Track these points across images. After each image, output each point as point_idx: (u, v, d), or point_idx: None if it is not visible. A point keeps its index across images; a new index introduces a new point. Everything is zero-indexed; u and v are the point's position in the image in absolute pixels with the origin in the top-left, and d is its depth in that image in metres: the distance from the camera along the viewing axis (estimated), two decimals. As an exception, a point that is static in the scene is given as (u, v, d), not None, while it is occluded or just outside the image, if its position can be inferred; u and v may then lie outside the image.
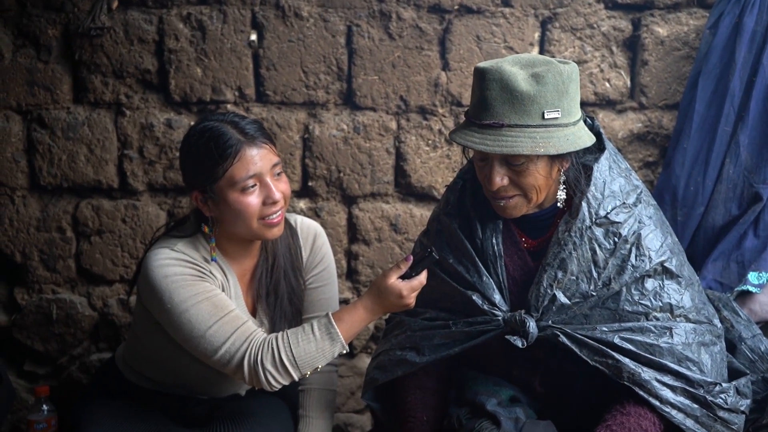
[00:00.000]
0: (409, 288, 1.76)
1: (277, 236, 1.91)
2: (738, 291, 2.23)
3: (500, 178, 1.65)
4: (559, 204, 1.73)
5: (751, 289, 2.23)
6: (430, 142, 2.66)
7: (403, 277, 1.76)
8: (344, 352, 1.82)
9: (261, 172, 1.78)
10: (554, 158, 1.66)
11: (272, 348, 1.77)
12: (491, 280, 1.74)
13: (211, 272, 1.89)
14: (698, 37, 2.54)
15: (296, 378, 1.79)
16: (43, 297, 2.80)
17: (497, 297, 1.74)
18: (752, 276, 2.24)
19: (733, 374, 1.78)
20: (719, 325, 1.78)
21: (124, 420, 2.01)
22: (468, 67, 2.61)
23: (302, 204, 2.70)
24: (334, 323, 1.79)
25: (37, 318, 2.81)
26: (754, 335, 1.96)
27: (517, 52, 2.62)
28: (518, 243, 1.79)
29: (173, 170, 2.70)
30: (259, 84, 2.64)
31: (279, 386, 1.79)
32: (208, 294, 1.83)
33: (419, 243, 1.93)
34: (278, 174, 1.82)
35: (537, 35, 2.60)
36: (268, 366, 1.76)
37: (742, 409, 1.70)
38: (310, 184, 2.69)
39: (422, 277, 1.77)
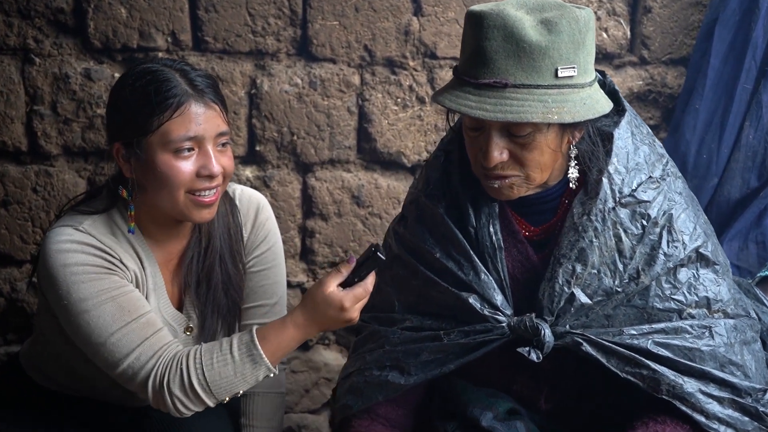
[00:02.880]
0: (352, 298, 1.59)
1: (206, 220, 1.73)
2: (760, 276, 2.08)
3: (499, 152, 1.47)
4: (571, 184, 1.57)
5: None
6: (399, 100, 2.53)
7: (345, 285, 1.60)
8: (271, 375, 1.67)
9: (203, 136, 1.63)
10: (566, 127, 1.49)
11: (181, 369, 1.61)
12: (491, 278, 1.57)
13: (122, 261, 1.71)
14: None
15: (210, 404, 1.65)
16: (-61, 280, 2.68)
17: (499, 298, 1.56)
18: None
19: None
20: (756, 316, 1.66)
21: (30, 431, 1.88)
22: (444, 12, 2.45)
23: (248, 172, 2.58)
24: (257, 343, 1.63)
25: (-69, 304, 2.68)
26: None
27: None
28: (517, 232, 1.62)
29: (94, 130, 2.54)
30: (196, 28, 2.49)
31: (189, 413, 1.65)
32: (114, 292, 1.66)
33: (393, 233, 1.74)
34: (223, 145, 1.69)
35: None
36: (176, 390, 1.61)
37: None
38: (257, 148, 2.56)
39: (368, 284, 1.60)
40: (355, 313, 1.61)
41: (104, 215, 1.72)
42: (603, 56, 2.49)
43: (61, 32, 2.47)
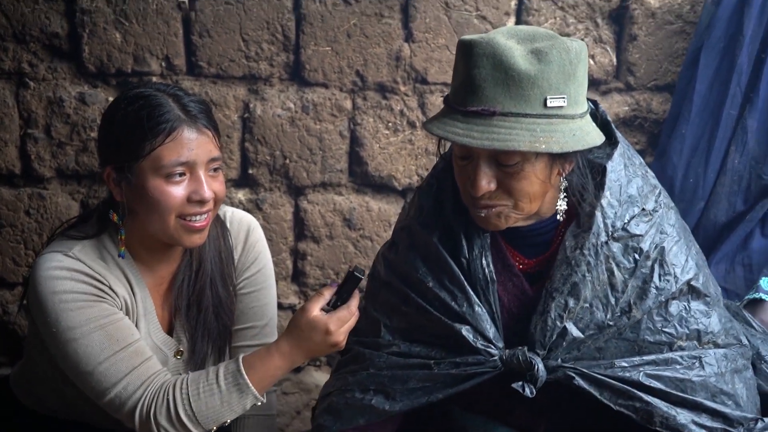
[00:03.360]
0: (337, 320, 1.56)
1: (196, 244, 1.69)
2: (748, 299, 2.04)
3: (487, 182, 1.43)
4: (559, 216, 1.52)
5: (763, 296, 2.02)
6: (390, 124, 2.51)
7: (327, 309, 1.58)
8: (258, 403, 1.64)
9: (195, 161, 1.61)
10: (556, 158, 1.44)
11: (168, 400, 1.58)
12: (484, 310, 1.52)
13: (111, 288, 1.67)
14: (693, 10, 2.41)
15: None
16: (-70, 302, 2.61)
17: (491, 330, 1.52)
18: (764, 282, 2.03)
19: (762, 400, 1.62)
20: (747, 342, 1.63)
21: None
22: (434, 38, 2.44)
23: (241, 195, 2.55)
24: (243, 372, 1.60)
25: None
26: None
27: (491, 23, 2.44)
28: (511, 265, 1.57)
29: (87, 153, 2.51)
30: (190, 53, 2.47)
31: None
32: (103, 321, 1.62)
33: (382, 259, 1.68)
34: (215, 170, 1.66)
35: (513, 4, 2.44)
36: (163, 421, 1.58)
37: None
38: (250, 171, 2.53)
39: (352, 306, 1.57)
40: (341, 336, 1.58)
41: (94, 240, 1.68)
42: (590, 82, 2.37)
43: (56, 56, 2.45)
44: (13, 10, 2.38)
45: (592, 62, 2.45)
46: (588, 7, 2.42)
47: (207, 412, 1.59)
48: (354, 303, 1.57)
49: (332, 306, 1.57)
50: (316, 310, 1.56)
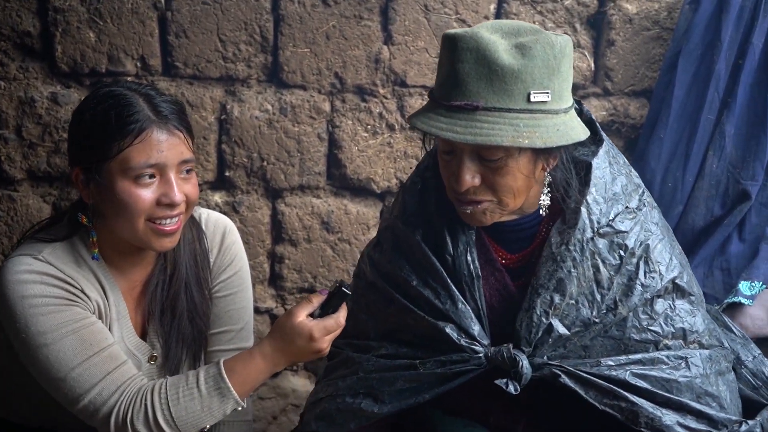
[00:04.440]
0: (323, 329, 1.54)
1: (167, 248, 1.65)
2: (727, 303, 2.08)
3: (471, 177, 1.41)
4: (541, 211, 1.51)
5: (742, 300, 2.07)
6: (368, 127, 2.47)
7: (314, 316, 1.55)
8: (239, 408, 1.61)
9: (165, 164, 1.56)
10: (539, 153, 1.42)
11: (146, 405, 1.54)
12: (468, 307, 1.50)
13: (83, 291, 1.62)
14: (670, 16, 2.39)
15: None
16: None
17: (476, 328, 1.50)
18: (743, 286, 2.08)
19: (743, 404, 1.62)
20: (729, 346, 1.63)
21: None
22: (414, 41, 2.40)
23: (218, 197, 2.51)
24: (225, 376, 1.57)
25: None
26: (754, 357, 1.74)
27: (470, 26, 2.40)
28: (494, 259, 1.55)
29: (60, 155, 2.46)
30: (166, 54, 2.42)
31: None
32: (75, 325, 1.57)
33: (367, 258, 1.67)
34: (187, 172, 1.63)
35: (493, 7, 2.41)
36: (140, 427, 1.54)
37: None
38: (227, 174, 2.49)
39: (340, 317, 1.54)
40: (324, 344, 1.55)
41: (65, 243, 1.64)
42: None
43: (28, 56, 2.40)
44: None
45: None
46: (566, 12, 2.40)
47: (187, 417, 1.55)
48: (342, 315, 1.55)
49: (318, 315, 1.54)
50: (302, 315, 1.54)
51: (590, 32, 2.42)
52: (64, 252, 1.62)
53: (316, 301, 1.56)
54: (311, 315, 1.55)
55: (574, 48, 2.37)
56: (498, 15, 2.41)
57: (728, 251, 2.14)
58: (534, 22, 2.38)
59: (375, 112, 2.45)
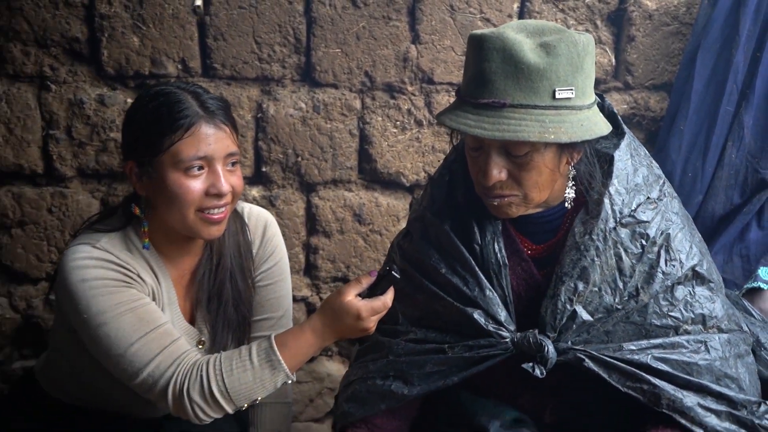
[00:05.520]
0: (370, 309, 1.54)
1: (215, 237, 1.66)
2: (746, 288, 2.02)
3: (498, 171, 1.41)
4: (567, 204, 1.50)
5: (762, 285, 2.00)
6: (398, 123, 2.47)
7: (362, 296, 1.55)
8: (289, 382, 1.60)
9: (213, 156, 1.58)
10: (564, 148, 1.42)
11: (201, 376, 1.55)
12: (495, 294, 1.50)
13: (139, 275, 1.64)
14: (689, 12, 2.37)
15: (230, 411, 1.57)
16: (-43, 297, 2.58)
17: (503, 314, 1.50)
18: (763, 271, 2.03)
19: (762, 385, 1.59)
20: (747, 330, 1.61)
21: None
22: (440, 40, 2.40)
23: (255, 192, 2.51)
24: (276, 349, 1.57)
25: (-50, 321, 2.58)
26: None
27: (495, 25, 2.40)
28: (520, 250, 1.55)
29: (107, 153, 2.47)
30: (205, 56, 2.42)
31: (209, 419, 1.58)
32: (133, 304, 1.59)
33: (397, 248, 1.67)
34: (232, 164, 1.63)
35: (516, 6, 2.40)
36: (196, 397, 1.55)
37: None
38: (263, 169, 2.49)
39: (387, 299, 1.54)
40: (371, 323, 1.55)
41: (120, 233, 1.66)
42: None
43: (76, 60, 2.41)
44: (34, 16, 2.33)
45: None
46: (587, 9, 2.39)
47: (239, 388, 1.55)
48: (389, 297, 1.54)
49: (367, 295, 1.54)
50: (351, 295, 1.54)
51: (611, 28, 2.40)
52: (119, 241, 1.64)
53: (366, 282, 1.55)
54: (360, 295, 1.55)
55: (596, 44, 2.36)
56: (521, 13, 2.39)
57: (747, 238, 2.13)
58: (556, 20, 2.37)
59: (404, 108, 2.44)
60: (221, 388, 1.53)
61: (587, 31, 2.39)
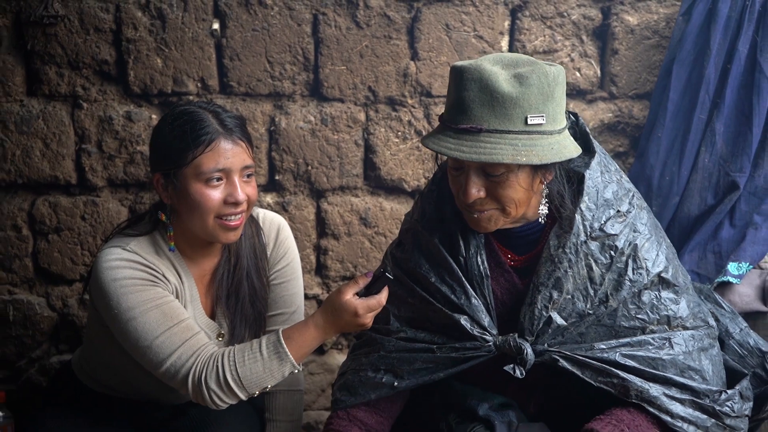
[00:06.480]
0: (366, 307, 1.59)
1: (232, 241, 1.73)
2: (717, 282, 2.09)
3: (476, 190, 1.45)
4: (540, 219, 1.54)
5: (731, 279, 2.07)
6: (399, 133, 2.50)
7: (360, 294, 1.60)
8: (296, 371, 1.67)
9: (230, 168, 1.65)
10: (537, 169, 1.46)
11: (217, 366, 1.62)
12: (480, 302, 1.54)
13: (164, 275, 1.71)
14: (668, 26, 2.42)
15: (243, 398, 1.65)
16: (-1, 298, 2.62)
17: (486, 320, 1.54)
18: (732, 266, 2.08)
19: (728, 373, 1.64)
20: (714, 323, 1.63)
21: (83, 428, 1.88)
22: (437, 56, 2.45)
23: (269, 198, 2.55)
24: (283, 342, 1.63)
25: (-8, 320, 2.63)
26: (741, 329, 1.78)
27: (487, 42, 2.46)
28: (503, 262, 1.59)
29: (134, 165, 2.52)
30: (222, 75, 2.47)
31: (225, 405, 1.65)
32: (158, 301, 1.66)
33: (390, 256, 1.70)
34: (248, 176, 1.69)
35: (507, 24, 2.45)
36: (212, 385, 1.61)
37: (746, 413, 1.56)
38: (277, 177, 2.53)
39: (382, 297, 1.59)
40: (367, 319, 1.60)
41: (147, 237, 1.73)
42: (577, 92, 2.47)
43: (106, 80, 2.45)
44: (68, 41, 2.40)
45: (578, 74, 2.46)
46: (573, 25, 2.43)
47: (251, 377, 1.61)
48: (384, 295, 1.60)
49: (363, 294, 1.60)
50: (349, 294, 1.59)
51: (596, 42, 2.44)
52: (147, 244, 1.71)
53: (362, 282, 1.60)
54: (357, 294, 1.60)
55: (582, 57, 2.43)
56: (512, 31, 2.44)
57: (720, 236, 2.12)
58: (544, 36, 2.42)
59: (404, 120, 2.48)
60: (235, 377, 1.60)
61: (573, 45, 2.45)
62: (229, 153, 1.64)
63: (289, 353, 1.63)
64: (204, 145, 1.63)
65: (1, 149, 2.48)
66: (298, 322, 1.70)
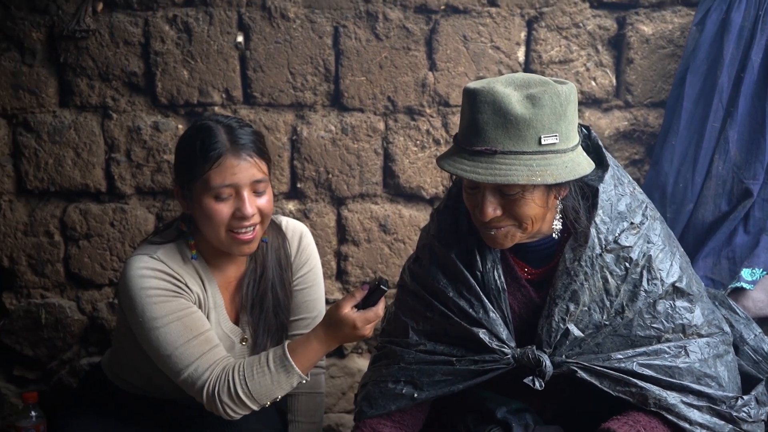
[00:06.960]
0: (364, 320, 1.62)
1: (246, 254, 1.77)
2: (731, 288, 2.09)
3: (493, 209, 1.46)
4: (554, 235, 1.54)
5: (744, 285, 2.08)
6: (417, 142, 2.52)
7: (358, 307, 1.62)
8: (303, 382, 1.70)
9: (238, 184, 1.66)
10: (552, 186, 1.47)
11: (228, 381, 1.66)
12: (497, 316, 1.55)
13: (187, 285, 1.75)
14: (683, 35, 2.42)
15: (255, 408, 1.69)
16: (32, 302, 2.65)
17: (504, 333, 1.55)
18: (745, 272, 2.09)
19: (743, 378, 1.64)
20: (728, 330, 1.63)
21: (111, 426, 1.92)
22: (455, 67, 2.47)
23: (291, 206, 2.57)
24: (288, 356, 1.66)
25: (25, 323, 2.66)
26: (755, 335, 1.78)
27: (504, 52, 2.49)
28: (519, 276, 1.59)
29: (161, 173, 2.56)
30: (246, 86, 2.50)
31: (238, 416, 1.69)
32: (180, 313, 1.71)
33: (408, 272, 1.70)
34: (260, 191, 1.70)
35: (523, 35, 2.47)
36: (225, 398, 1.66)
37: (762, 418, 1.57)
38: (298, 185, 2.56)
39: (379, 309, 1.62)
40: (366, 330, 1.63)
41: (174, 244, 1.78)
42: (593, 101, 2.49)
43: (134, 92, 2.49)
44: (98, 54, 2.45)
45: (594, 83, 2.47)
46: (589, 35, 2.45)
47: (260, 389, 1.65)
48: (381, 307, 1.63)
49: (361, 306, 1.62)
50: (348, 308, 1.62)
51: (611, 52, 2.46)
52: (173, 252, 1.76)
53: (359, 295, 1.62)
54: (356, 306, 1.62)
55: (597, 67, 2.44)
56: (528, 41, 2.45)
57: (734, 242, 2.13)
58: (560, 47, 2.45)
59: (423, 129, 2.49)
60: (245, 390, 1.64)
61: (589, 55, 2.46)
62: (237, 169, 1.65)
63: (295, 366, 1.66)
64: (212, 161, 1.65)
65: (35, 158, 2.53)
66: (302, 336, 1.73)
